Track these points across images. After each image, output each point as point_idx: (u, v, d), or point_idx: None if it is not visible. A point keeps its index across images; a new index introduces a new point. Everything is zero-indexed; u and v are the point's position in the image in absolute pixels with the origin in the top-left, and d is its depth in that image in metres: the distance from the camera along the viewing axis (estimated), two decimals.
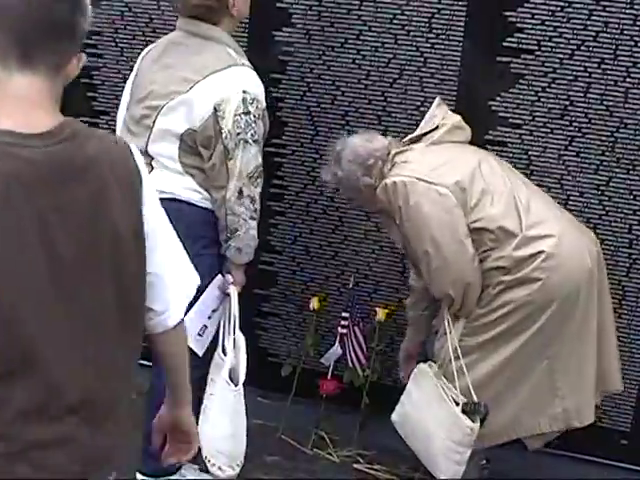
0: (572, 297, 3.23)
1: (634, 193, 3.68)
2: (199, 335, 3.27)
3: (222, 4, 3.24)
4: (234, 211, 3.20)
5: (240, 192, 3.19)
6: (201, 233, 3.24)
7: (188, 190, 3.25)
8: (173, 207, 3.14)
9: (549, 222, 3.27)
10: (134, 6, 4.18)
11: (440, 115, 3.48)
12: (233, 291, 3.32)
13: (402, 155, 3.42)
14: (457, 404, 3.29)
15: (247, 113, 3.15)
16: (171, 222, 3.12)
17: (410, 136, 3.52)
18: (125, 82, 4.19)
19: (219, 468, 3.28)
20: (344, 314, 3.98)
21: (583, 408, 3.39)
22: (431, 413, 3.36)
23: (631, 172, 3.66)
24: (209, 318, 3.31)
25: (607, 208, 3.72)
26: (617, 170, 3.65)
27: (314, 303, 4.05)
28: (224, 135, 3.15)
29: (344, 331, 3.97)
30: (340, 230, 4.09)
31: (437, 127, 3.45)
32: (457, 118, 3.49)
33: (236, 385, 3.28)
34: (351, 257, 4.10)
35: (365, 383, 3.97)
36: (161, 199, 3.11)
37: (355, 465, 3.93)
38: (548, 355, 3.28)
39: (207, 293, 3.26)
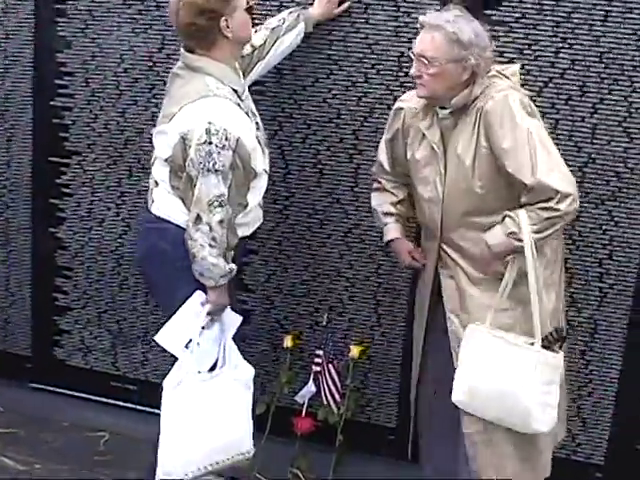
0: None
1: (603, 227, 3.71)
2: (187, 348, 3.38)
3: (213, 24, 3.30)
4: (192, 236, 3.27)
5: (198, 218, 3.25)
6: (184, 254, 3.32)
7: (176, 211, 3.38)
8: (163, 226, 3.41)
9: None
10: (105, 46, 4.20)
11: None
12: (204, 308, 3.38)
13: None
14: (531, 344, 3.17)
15: (209, 143, 3.21)
16: (160, 239, 3.33)
17: None
18: (96, 122, 4.24)
19: None
20: (318, 352, 3.99)
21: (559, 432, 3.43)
22: (504, 368, 3.18)
23: (600, 207, 3.69)
24: (199, 335, 3.38)
25: (577, 242, 3.75)
26: (586, 205, 3.67)
27: (288, 341, 4.06)
28: (187, 163, 3.25)
29: (318, 369, 3.97)
30: (313, 268, 4.10)
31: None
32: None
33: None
34: (324, 294, 4.10)
35: (340, 420, 3.96)
36: (156, 217, 3.39)
37: None
38: None
39: (186, 305, 3.38)
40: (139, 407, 4.46)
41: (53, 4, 4.25)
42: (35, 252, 4.56)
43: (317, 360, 3.97)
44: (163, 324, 3.45)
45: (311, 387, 3.99)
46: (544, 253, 3.28)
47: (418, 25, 3.29)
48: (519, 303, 3.25)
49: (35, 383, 4.66)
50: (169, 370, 3.39)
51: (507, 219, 3.17)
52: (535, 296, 3.15)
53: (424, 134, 3.38)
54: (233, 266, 3.37)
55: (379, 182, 3.65)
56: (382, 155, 3.61)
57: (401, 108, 3.50)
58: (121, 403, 4.53)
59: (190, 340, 3.38)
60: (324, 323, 4.05)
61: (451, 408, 3.34)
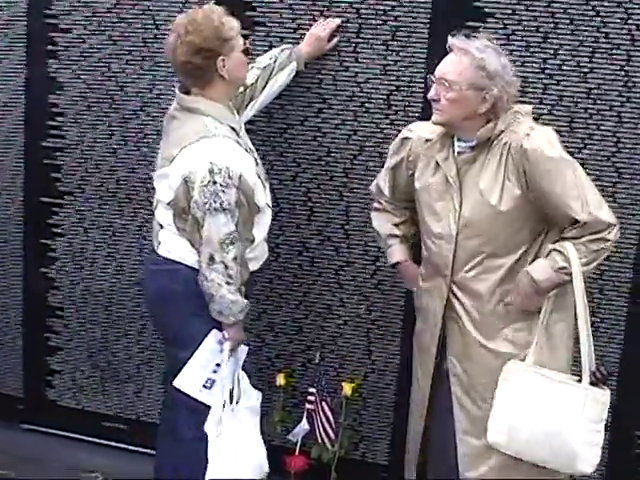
0: None
1: None
2: (204, 387, 3.41)
3: (210, 63, 3.33)
4: (207, 277, 3.29)
5: (211, 258, 3.27)
6: (197, 294, 3.34)
7: (185, 252, 3.40)
8: (172, 268, 3.41)
9: None
10: (96, 88, 4.23)
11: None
12: (226, 346, 3.39)
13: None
14: (579, 381, 3.10)
15: (214, 183, 3.22)
16: (170, 281, 3.35)
17: None
18: (87, 162, 4.25)
19: None
20: (311, 389, 3.97)
21: None
22: (550, 407, 3.09)
23: None
24: (214, 372, 3.41)
25: None
26: None
27: (280, 379, 4.05)
28: (192, 205, 3.27)
29: (311, 407, 3.95)
30: (305, 305, 4.10)
31: None
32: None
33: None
34: (316, 332, 4.10)
35: (333, 458, 3.94)
36: (165, 258, 3.37)
37: None
38: None
39: (203, 347, 3.40)
40: (131, 447, 4.44)
41: (44, 45, 4.27)
42: (27, 292, 4.56)
43: (310, 398, 3.95)
44: (159, 363, 3.45)
45: (304, 425, 3.97)
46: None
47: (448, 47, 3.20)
48: (550, 338, 3.19)
49: (27, 424, 4.64)
50: (160, 409, 3.38)
51: (554, 253, 3.11)
52: (584, 330, 3.10)
53: (439, 165, 3.29)
54: (247, 301, 3.40)
55: (379, 203, 3.59)
56: (382, 182, 3.54)
57: (408, 137, 3.43)
58: (113, 443, 4.50)
59: (207, 379, 3.40)
60: (317, 361, 4.04)
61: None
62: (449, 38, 3.21)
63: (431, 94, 3.21)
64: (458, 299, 3.28)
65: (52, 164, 4.36)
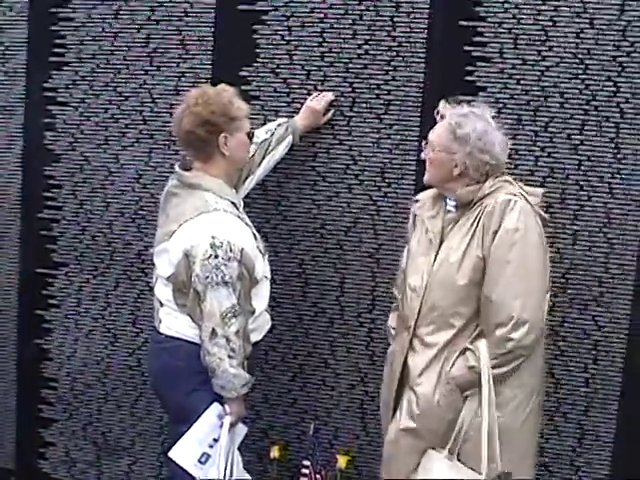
0: None
1: (587, 332, 3.72)
2: (199, 462, 3.37)
3: (212, 137, 3.37)
4: (209, 351, 3.29)
5: (213, 332, 3.27)
6: (199, 368, 3.34)
7: (186, 327, 3.40)
8: (174, 344, 3.39)
9: None
10: (93, 159, 4.26)
11: None
12: (226, 421, 3.37)
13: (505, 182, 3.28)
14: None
15: (215, 257, 3.24)
16: (172, 358, 3.33)
17: None
18: (83, 234, 4.27)
19: None
20: (305, 462, 3.95)
21: None
22: None
23: (583, 312, 3.70)
24: (210, 447, 3.38)
25: (562, 348, 3.75)
26: (569, 310, 3.70)
27: (275, 452, 4.02)
28: (193, 279, 3.27)
29: (306, 479, 3.92)
30: (299, 377, 4.09)
31: None
32: None
33: None
34: (310, 404, 4.08)
35: None
36: (166, 336, 3.36)
37: None
38: None
39: (202, 420, 3.37)
40: None
41: (41, 118, 4.32)
42: (20, 363, 4.54)
43: (304, 471, 3.93)
44: (153, 436, 3.42)
45: None
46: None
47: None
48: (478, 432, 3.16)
49: None
50: None
51: (468, 352, 3.16)
52: (485, 435, 3.09)
53: (425, 223, 3.36)
54: (250, 376, 3.39)
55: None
56: (402, 261, 3.51)
57: (412, 211, 3.49)
58: None
59: (203, 454, 3.37)
60: (311, 433, 4.02)
61: None
62: (441, 102, 3.32)
63: (422, 154, 3.35)
64: (418, 353, 3.30)
65: (48, 235, 4.38)
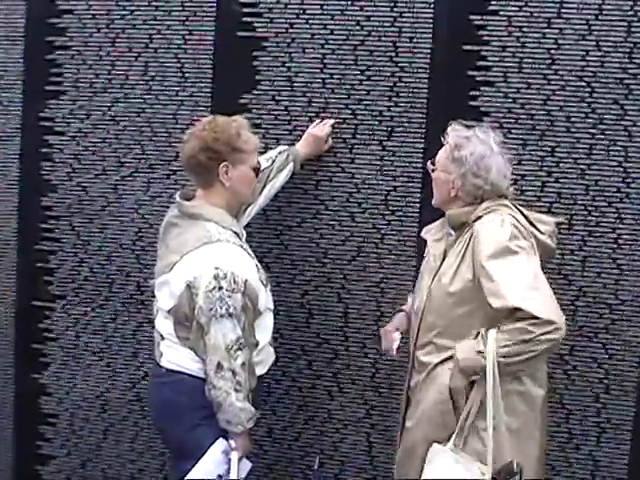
0: None
1: (598, 361, 3.68)
2: None
3: (212, 165, 3.33)
4: (215, 385, 3.23)
5: (219, 366, 3.21)
6: (202, 403, 3.28)
7: (189, 361, 3.33)
8: (176, 378, 3.33)
9: None
10: (90, 190, 4.21)
11: None
12: (234, 456, 3.30)
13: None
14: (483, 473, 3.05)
15: (219, 288, 3.19)
16: (174, 393, 3.25)
17: None
18: (81, 266, 4.22)
19: None
20: None
21: None
22: None
23: (594, 340, 3.67)
24: None
25: (573, 377, 3.71)
26: (580, 339, 3.66)
27: None
28: (196, 311, 3.22)
29: None
30: (303, 410, 4.03)
31: None
32: None
33: None
34: (315, 438, 4.03)
35: None
36: (167, 370, 3.28)
37: None
38: None
39: (207, 456, 3.29)
40: None
41: (38, 147, 4.28)
42: (18, 398, 4.47)
43: None
44: (153, 472, 3.36)
45: None
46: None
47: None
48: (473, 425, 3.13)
49: None
50: None
51: (479, 336, 3.10)
52: (491, 425, 3.03)
53: (429, 246, 3.39)
54: (255, 410, 3.33)
55: None
56: None
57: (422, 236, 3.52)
58: None
59: None
60: (316, 467, 3.96)
61: None
62: (450, 124, 3.34)
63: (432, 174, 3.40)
64: (417, 372, 3.31)
65: (45, 267, 4.32)
